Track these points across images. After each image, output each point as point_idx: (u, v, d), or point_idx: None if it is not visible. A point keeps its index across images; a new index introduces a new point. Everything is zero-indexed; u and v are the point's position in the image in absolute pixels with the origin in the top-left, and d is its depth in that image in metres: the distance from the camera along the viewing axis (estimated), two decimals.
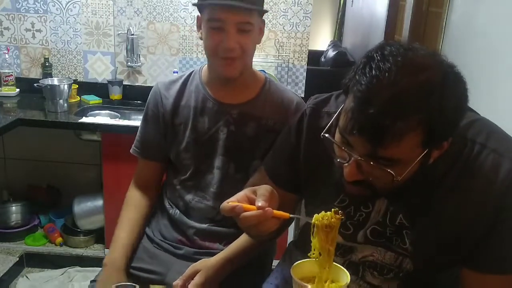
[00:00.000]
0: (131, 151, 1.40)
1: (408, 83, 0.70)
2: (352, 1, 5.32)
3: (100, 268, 1.32)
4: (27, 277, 2.30)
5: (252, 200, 0.81)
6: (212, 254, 1.24)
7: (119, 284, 1.16)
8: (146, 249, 1.35)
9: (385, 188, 0.81)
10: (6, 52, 2.53)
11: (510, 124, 0.92)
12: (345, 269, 0.83)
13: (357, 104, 0.72)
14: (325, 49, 5.23)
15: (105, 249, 2.37)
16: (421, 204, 0.88)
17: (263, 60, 2.51)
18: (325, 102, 1.00)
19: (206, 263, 1.17)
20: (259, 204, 0.79)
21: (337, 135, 0.82)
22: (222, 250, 1.25)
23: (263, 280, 1.25)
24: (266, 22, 1.30)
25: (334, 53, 4.33)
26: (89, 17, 2.53)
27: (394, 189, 0.82)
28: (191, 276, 1.14)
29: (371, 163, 0.75)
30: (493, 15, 1.62)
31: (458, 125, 0.76)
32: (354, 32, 5.04)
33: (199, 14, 1.24)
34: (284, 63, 2.57)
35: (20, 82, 2.57)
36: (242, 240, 1.23)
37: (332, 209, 0.81)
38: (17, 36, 2.57)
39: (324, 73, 4.13)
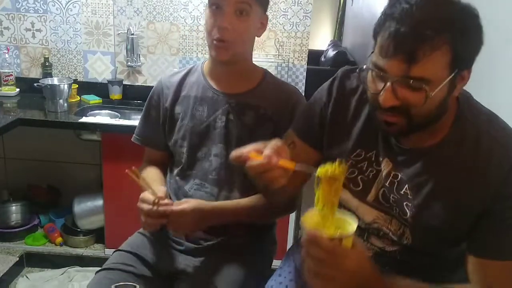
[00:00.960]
0: (132, 139, 1.44)
1: (435, 10, 0.81)
2: (352, 1, 5.31)
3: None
4: (27, 277, 2.30)
5: (261, 151, 0.86)
6: (212, 249, 1.29)
7: (119, 284, 1.16)
8: (150, 240, 1.35)
9: (419, 113, 0.85)
10: (6, 52, 2.53)
11: (510, 123, 0.93)
12: (352, 216, 0.85)
13: (391, 28, 0.81)
14: (325, 49, 5.22)
15: (105, 249, 2.37)
16: (426, 177, 0.92)
17: (263, 59, 2.51)
18: (355, 70, 1.07)
19: (198, 201, 1.24)
20: (266, 153, 0.83)
21: (370, 74, 0.89)
22: (220, 245, 1.30)
23: (264, 279, 1.25)
24: None
25: (334, 52, 4.33)
26: (89, 16, 2.53)
27: (423, 120, 0.87)
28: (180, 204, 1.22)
29: (407, 83, 0.81)
30: (493, 15, 1.62)
31: (476, 54, 0.84)
32: (354, 32, 5.04)
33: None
34: (284, 62, 2.57)
35: (20, 82, 2.57)
36: (240, 200, 1.29)
37: (337, 160, 0.85)
38: (17, 36, 2.57)
39: (324, 72, 4.12)
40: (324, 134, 1.08)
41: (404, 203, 0.94)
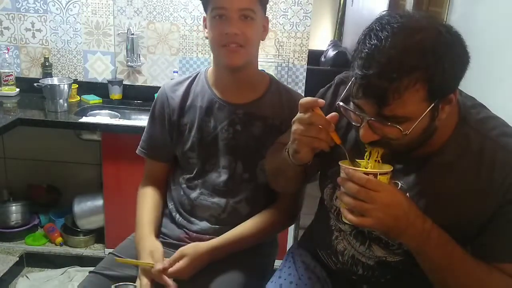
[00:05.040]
0: (137, 151, 1.41)
1: (403, 44, 0.76)
2: (352, 1, 5.32)
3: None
4: (27, 277, 2.30)
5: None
6: None
7: (119, 284, 1.17)
8: None
9: (401, 145, 0.85)
10: (6, 51, 2.53)
11: (510, 123, 0.93)
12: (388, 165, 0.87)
13: (359, 69, 0.79)
14: (325, 49, 5.23)
15: (105, 249, 2.37)
16: (427, 185, 0.91)
17: (263, 60, 2.51)
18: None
19: (195, 249, 1.22)
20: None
21: (351, 103, 0.88)
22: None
23: (265, 280, 1.25)
24: None
25: (334, 52, 4.33)
26: (89, 16, 2.53)
27: (409, 147, 0.86)
28: (177, 260, 1.20)
29: (381, 122, 0.81)
30: (493, 15, 1.62)
31: (460, 77, 0.81)
32: (354, 32, 5.04)
33: (205, 15, 1.24)
34: (284, 62, 2.57)
35: (20, 81, 2.57)
36: (238, 231, 1.27)
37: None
38: (17, 35, 2.57)
39: (324, 72, 4.13)
40: None
41: None
